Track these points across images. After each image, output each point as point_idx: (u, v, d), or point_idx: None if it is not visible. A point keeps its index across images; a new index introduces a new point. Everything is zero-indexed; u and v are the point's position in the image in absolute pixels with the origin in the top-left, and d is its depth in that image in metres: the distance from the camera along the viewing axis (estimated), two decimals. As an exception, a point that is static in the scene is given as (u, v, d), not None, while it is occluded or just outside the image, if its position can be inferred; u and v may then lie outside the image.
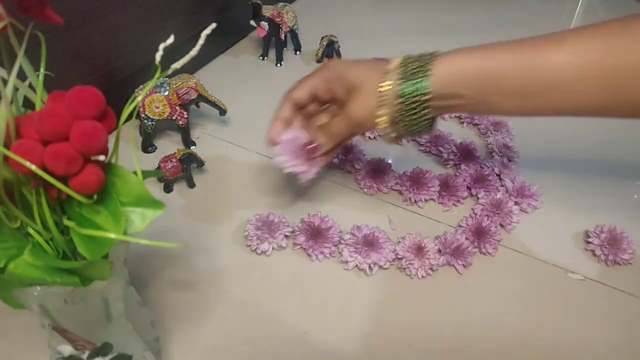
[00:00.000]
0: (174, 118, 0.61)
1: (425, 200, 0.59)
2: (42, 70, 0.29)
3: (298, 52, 0.85)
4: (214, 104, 0.64)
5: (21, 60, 0.26)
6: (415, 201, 0.59)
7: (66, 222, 0.28)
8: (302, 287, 0.50)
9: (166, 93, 0.60)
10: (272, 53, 0.83)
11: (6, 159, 0.24)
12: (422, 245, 0.52)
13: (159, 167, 0.57)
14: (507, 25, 1.00)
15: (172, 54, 0.28)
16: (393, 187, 0.61)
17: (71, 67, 0.59)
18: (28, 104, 0.29)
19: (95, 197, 0.27)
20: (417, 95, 0.42)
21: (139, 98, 0.28)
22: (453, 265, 0.52)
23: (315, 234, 0.53)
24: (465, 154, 0.64)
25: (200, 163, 0.59)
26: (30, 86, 0.28)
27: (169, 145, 0.65)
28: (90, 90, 0.25)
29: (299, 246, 0.53)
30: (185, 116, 0.62)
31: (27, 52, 0.26)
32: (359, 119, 0.45)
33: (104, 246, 0.26)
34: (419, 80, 0.42)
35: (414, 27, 0.97)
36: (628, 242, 0.54)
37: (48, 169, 0.24)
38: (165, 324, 0.46)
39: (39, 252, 0.28)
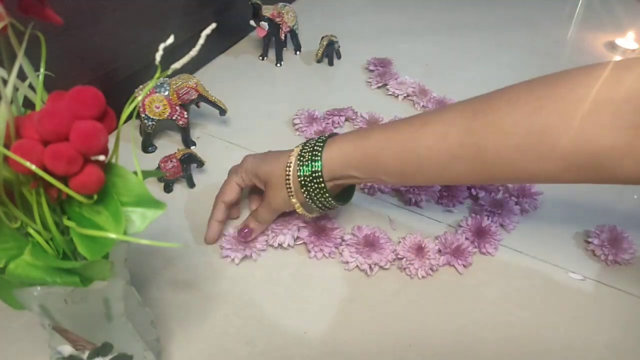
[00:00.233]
0: (174, 118, 0.61)
1: (425, 200, 0.59)
2: (42, 70, 0.28)
3: (298, 52, 0.85)
4: (214, 104, 0.64)
5: (21, 60, 0.26)
6: (415, 201, 0.59)
7: (66, 222, 0.28)
8: (303, 287, 0.50)
9: (166, 93, 0.60)
10: (272, 53, 0.83)
11: (6, 159, 0.24)
12: (423, 245, 0.52)
13: (159, 167, 0.57)
14: (507, 25, 1.00)
15: (172, 54, 0.28)
16: (393, 187, 0.61)
17: (71, 67, 0.59)
18: (28, 104, 0.29)
19: (95, 197, 0.27)
20: (313, 176, 0.46)
21: (139, 98, 0.28)
22: (453, 265, 0.52)
23: (319, 231, 0.53)
24: (466, 154, 0.64)
25: (200, 163, 0.59)
26: (30, 86, 0.28)
27: (169, 145, 0.65)
28: (90, 90, 0.25)
29: (301, 240, 0.53)
30: (186, 116, 0.62)
31: (27, 52, 0.26)
32: (278, 208, 0.50)
33: (104, 246, 0.26)
34: (313, 162, 0.46)
35: (414, 27, 0.97)
36: (628, 242, 0.54)
37: (48, 169, 0.24)
38: (166, 324, 0.46)
39: (39, 252, 0.28)
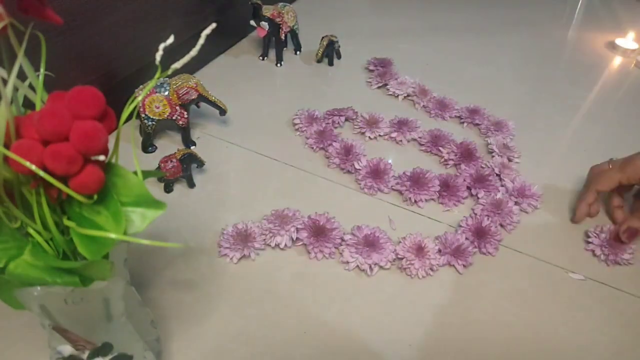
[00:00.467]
0: (174, 118, 0.61)
1: (425, 200, 0.59)
2: (42, 70, 0.28)
3: (298, 52, 0.85)
4: (214, 104, 0.64)
5: (21, 60, 0.26)
6: (415, 201, 0.59)
7: (66, 222, 0.28)
8: (303, 287, 0.50)
9: (166, 93, 0.60)
10: (272, 53, 0.83)
11: (6, 159, 0.24)
12: (423, 245, 0.52)
13: (159, 167, 0.57)
14: (507, 25, 1.00)
15: (172, 54, 0.28)
16: (393, 187, 0.61)
17: (71, 67, 0.59)
18: (28, 104, 0.29)
19: (95, 197, 0.27)
20: None
21: (139, 98, 0.28)
22: (453, 265, 0.52)
23: (319, 232, 0.53)
24: (465, 154, 0.64)
25: (200, 163, 0.59)
26: (30, 86, 0.28)
27: (169, 145, 0.65)
28: (90, 90, 0.25)
29: (300, 242, 0.53)
30: (186, 116, 0.62)
31: (27, 52, 0.26)
32: None
33: (104, 246, 0.26)
34: None
35: (414, 27, 0.97)
36: (628, 242, 0.54)
37: (48, 169, 0.24)
38: (166, 324, 0.46)
39: (39, 252, 0.28)
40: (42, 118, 0.24)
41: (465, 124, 0.72)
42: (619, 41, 0.95)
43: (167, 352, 0.44)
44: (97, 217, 0.27)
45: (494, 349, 0.46)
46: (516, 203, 0.59)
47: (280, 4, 0.80)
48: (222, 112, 0.65)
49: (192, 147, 0.65)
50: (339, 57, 0.84)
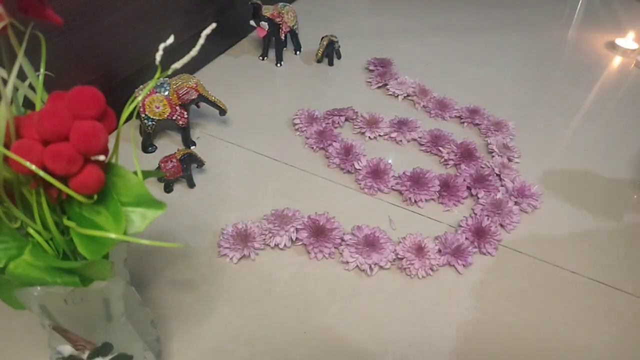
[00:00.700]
0: (174, 118, 0.61)
1: (425, 200, 0.59)
2: (42, 70, 0.28)
3: (298, 52, 0.85)
4: (214, 104, 0.64)
5: (21, 60, 0.26)
6: (415, 201, 0.59)
7: (66, 222, 0.28)
8: (303, 287, 0.50)
9: (166, 93, 0.60)
10: (272, 53, 0.83)
11: (6, 159, 0.24)
12: (422, 245, 0.52)
13: (159, 167, 0.57)
14: (507, 25, 1.00)
15: (172, 54, 0.28)
16: (393, 187, 0.61)
17: (71, 67, 0.59)
18: (28, 104, 0.29)
19: (95, 197, 0.27)
20: None
21: (139, 98, 0.28)
22: (453, 265, 0.52)
23: (319, 232, 0.53)
24: (465, 154, 0.64)
25: (200, 163, 0.59)
26: (30, 86, 0.28)
27: (169, 145, 0.65)
28: (90, 90, 0.25)
29: (300, 242, 0.53)
30: (186, 116, 0.62)
31: (27, 52, 0.26)
32: None
33: (104, 246, 0.26)
34: None
35: (414, 27, 0.97)
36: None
37: (48, 169, 0.24)
38: (166, 324, 0.46)
39: (39, 252, 0.28)
40: (42, 118, 0.24)
41: (465, 124, 0.72)
42: (619, 41, 0.95)
43: (167, 352, 0.44)
44: (97, 217, 0.27)
45: (494, 349, 0.46)
46: (516, 203, 0.59)
47: (280, 4, 0.80)
48: (222, 112, 0.65)
49: (192, 147, 0.65)
50: (339, 57, 0.84)
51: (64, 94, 0.25)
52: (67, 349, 0.34)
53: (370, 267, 0.51)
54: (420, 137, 0.68)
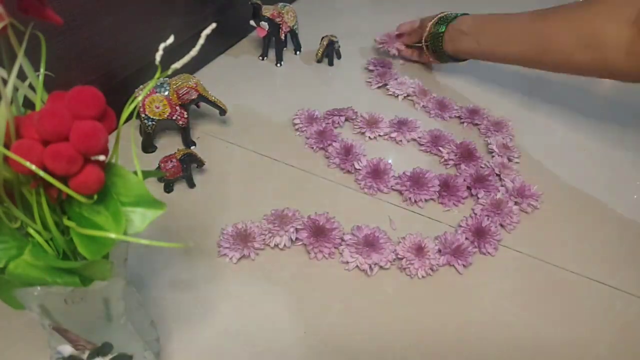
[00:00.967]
0: (174, 118, 0.61)
1: (425, 200, 0.59)
2: (42, 70, 0.29)
3: (298, 52, 0.85)
4: (214, 104, 0.64)
5: (21, 60, 0.26)
6: (415, 201, 0.59)
7: (66, 222, 0.28)
8: (303, 287, 0.50)
9: (166, 93, 0.60)
10: (272, 53, 0.83)
11: (6, 159, 0.24)
12: (422, 245, 0.52)
13: (159, 167, 0.57)
14: (507, 25, 1.00)
15: (172, 54, 0.28)
16: (393, 187, 0.61)
17: (71, 67, 0.59)
18: (28, 104, 0.29)
19: (95, 197, 0.27)
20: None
21: (139, 98, 0.28)
22: (453, 265, 0.52)
23: (318, 232, 0.53)
24: (465, 154, 0.64)
25: (200, 163, 0.59)
26: (30, 86, 0.28)
27: (169, 145, 0.65)
28: (90, 90, 0.25)
29: (300, 242, 0.53)
30: (186, 116, 0.62)
31: (27, 52, 0.26)
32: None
33: (104, 246, 0.26)
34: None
35: (414, 27, 0.96)
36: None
37: (48, 169, 0.24)
38: (166, 324, 0.46)
39: (39, 252, 0.28)
40: (42, 118, 0.24)
41: (465, 124, 0.72)
42: (619, 41, 0.94)
43: (167, 352, 0.44)
44: (97, 217, 0.27)
45: (494, 349, 0.46)
46: (516, 203, 0.59)
47: (280, 4, 0.80)
48: (222, 112, 0.65)
49: (192, 147, 0.65)
50: (339, 57, 0.84)
51: (64, 94, 0.25)
52: (67, 349, 0.34)
53: (370, 267, 0.51)
54: (420, 137, 0.68)
